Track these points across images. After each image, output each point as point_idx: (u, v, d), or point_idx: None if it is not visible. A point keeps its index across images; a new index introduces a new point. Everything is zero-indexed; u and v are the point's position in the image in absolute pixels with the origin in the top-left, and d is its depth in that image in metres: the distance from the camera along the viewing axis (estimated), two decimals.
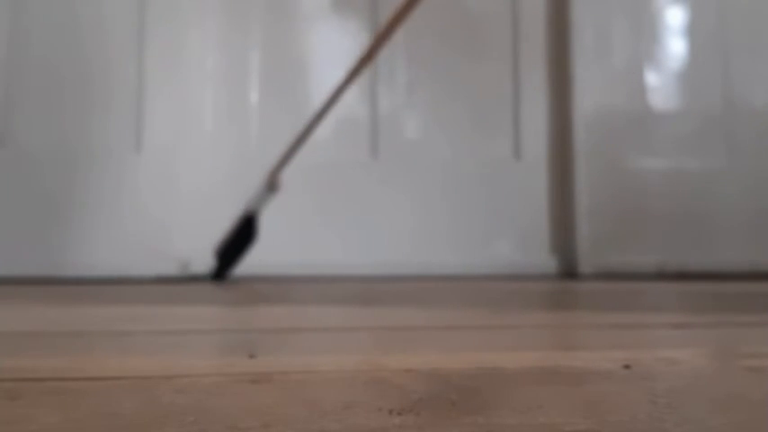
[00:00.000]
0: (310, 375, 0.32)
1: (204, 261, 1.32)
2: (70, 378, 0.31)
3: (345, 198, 1.41)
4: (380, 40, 1.07)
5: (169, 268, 1.27)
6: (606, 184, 1.42)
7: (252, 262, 1.34)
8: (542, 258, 1.44)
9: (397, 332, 0.49)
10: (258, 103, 1.42)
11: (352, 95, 1.45)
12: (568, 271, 1.42)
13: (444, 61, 1.46)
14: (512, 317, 0.61)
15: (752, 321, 0.56)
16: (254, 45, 1.43)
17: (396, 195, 1.42)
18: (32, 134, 1.31)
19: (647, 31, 1.48)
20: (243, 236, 1.17)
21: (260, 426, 0.24)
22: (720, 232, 1.42)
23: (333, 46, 1.45)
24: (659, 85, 1.47)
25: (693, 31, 1.48)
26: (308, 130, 1.17)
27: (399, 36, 1.47)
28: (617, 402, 0.28)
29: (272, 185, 1.18)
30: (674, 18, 1.49)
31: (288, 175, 1.41)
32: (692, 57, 1.47)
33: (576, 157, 1.42)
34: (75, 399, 0.28)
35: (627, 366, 0.34)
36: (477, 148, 1.45)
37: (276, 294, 0.92)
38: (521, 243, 1.44)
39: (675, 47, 1.48)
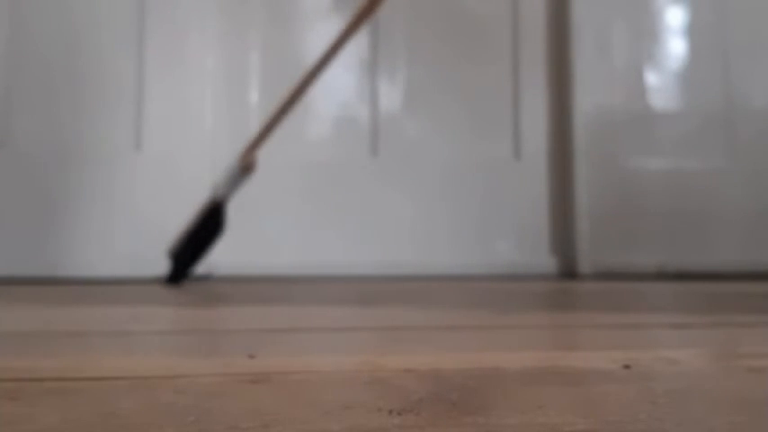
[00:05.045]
0: (310, 375, 0.32)
1: (203, 261, 1.32)
2: (70, 378, 0.31)
3: (345, 198, 1.41)
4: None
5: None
6: (606, 184, 1.42)
7: (252, 262, 1.35)
8: (542, 258, 1.44)
9: (397, 332, 0.49)
10: (258, 103, 1.42)
11: (353, 95, 1.45)
12: (568, 271, 1.42)
13: (444, 61, 1.46)
14: (512, 317, 0.61)
15: (752, 321, 0.56)
16: (253, 45, 1.42)
17: (396, 195, 1.42)
18: (32, 134, 1.31)
19: (647, 31, 1.48)
20: (208, 228, 0.99)
21: (260, 426, 0.24)
22: (720, 232, 1.42)
23: None
24: (659, 85, 1.47)
25: (693, 31, 1.48)
26: (290, 101, 1.00)
27: (399, 36, 1.47)
28: (617, 402, 0.28)
29: (246, 168, 1.01)
30: (674, 18, 1.49)
31: (287, 175, 1.41)
32: (692, 57, 1.47)
33: (575, 157, 1.42)
34: (75, 399, 0.28)
35: (627, 366, 0.34)
36: (477, 147, 1.45)
37: (276, 294, 0.92)
38: (521, 243, 1.44)
39: (675, 47, 1.48)
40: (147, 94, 1.33)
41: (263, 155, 1.42)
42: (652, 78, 1.47)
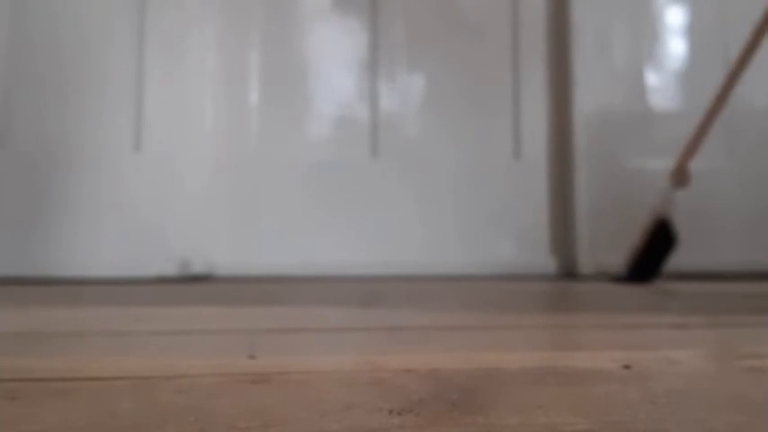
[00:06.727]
0: (310, 375, 0.32)
1: (204, 261, 1.32)
2: (70, 378, 0.31)
3: (345, 198, 1.41)
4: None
5: (169, 268, 1.27)
6: (606, 184, 1.42)
7: (253, 262, 1.35)
8: (542, 258, 1.43)
9: (397, 332, 0.49)
10: (258, 103, 1.42)
11: (353, 95, 1.45)
12: (568, 271, 1.42)
13: (444, 61, 1.46)
14: (512, 317, 0.61)
15: (752, 321, 0.56)
16: (253, 45, 1.42)
17: (395, 195, 1.42)
18: (32, 134, 1.31)
19: (647, 31, 1.48)
20: (662, 242, 1.14)
21: (260, 426, 0.24)
22: (720, 232, 1.42)
23: (332, 46, 1.45)
24: (659, 85, 1.47)
25: (693, 31, 1.48)
26: (710, 118, 1.13)
27: (400, 36, 1.47)
28: (617, 402, 0.28)
29: (679, 181, 1.12)
30: (674, 18, 1.49)
31: (288, 176, 1.41)
32: (692, 57, 1.47)
33: (576, 157, 1.42)
34: (75, 399, 0.28)
35: (627, 366, 0.34)
36: (477, 147, 1.45)
37: (276, 294, 0.92)
38: (521, 243, 1.44)
39: (675, 47, 1.48)
40: (146, 94, 1.33)
41: (263, 156, 1.43)
42: (652, 78, 1.47)
